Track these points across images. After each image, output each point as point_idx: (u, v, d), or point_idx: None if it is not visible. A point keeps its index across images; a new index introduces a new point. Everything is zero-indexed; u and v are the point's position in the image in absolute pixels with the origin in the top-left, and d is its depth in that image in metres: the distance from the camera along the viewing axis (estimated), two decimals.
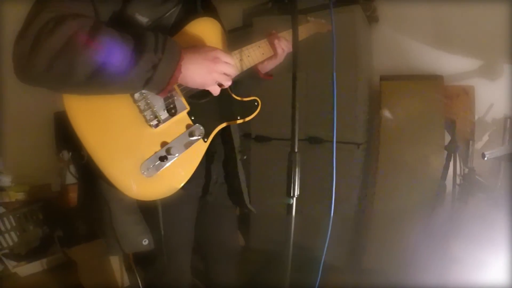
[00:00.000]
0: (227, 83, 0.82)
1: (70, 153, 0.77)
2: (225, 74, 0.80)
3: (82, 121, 0.69)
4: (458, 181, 1.79)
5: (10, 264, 2.00)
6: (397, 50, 2.28)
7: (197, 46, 0.79)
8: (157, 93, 0.72)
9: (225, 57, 0.80)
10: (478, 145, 1.99)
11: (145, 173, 0.73)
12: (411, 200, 1.90)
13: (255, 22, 2.25)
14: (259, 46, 0.96)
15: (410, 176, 1.94)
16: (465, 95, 2.04)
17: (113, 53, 0.64)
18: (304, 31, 1.14)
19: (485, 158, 1.12)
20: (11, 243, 2.06)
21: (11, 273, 1.96)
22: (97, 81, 0.65)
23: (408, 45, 2.24)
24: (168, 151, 0.75)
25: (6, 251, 2.04)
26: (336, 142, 2.00)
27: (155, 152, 0.74)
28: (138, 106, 0.74)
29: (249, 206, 1.05)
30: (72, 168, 2.21)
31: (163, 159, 0.74)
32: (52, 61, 0.61)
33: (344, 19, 1.97)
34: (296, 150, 0.72)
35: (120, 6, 0.75)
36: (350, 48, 1.99)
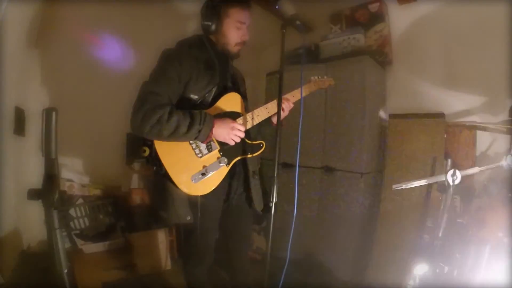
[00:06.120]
0: (238, 141, 1.49)
1: (155, 168, 1.49)
2: (237, 136, 1.48)
3: (163, 152, 1.41)
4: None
5: (79, 242, 2.72)
6: (409, 90, 2.75)
7: (223, 118, 1.47)
8: (201, 142, 1.44)
9: (238, 126, 1.48)
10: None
11: (193, 181, 1.42)
12: (410, 217, 2.44)
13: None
14: (266, 108, 1.62)
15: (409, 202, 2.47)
16: (467, 131, 2.47)
17: (179, 124, 1.36)
18: (307, 89, 1.76)
19: (394, 189, 1.61)
20: (82, 226, 2.78)
21: (78, 249, 2.68)
22: (172, 137, 1.37)
23: (418, 85, 2.68)
24: (206, 171, 1.44)
25: (77, 231, 2.75)
26: (343, 171, 2.74)
27: (199, 171, 1.44)
28: (191, 146, 1.45)
29: (257, 209, 1.64)
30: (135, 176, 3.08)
31: (203, 174, 1.44)
32: (151, 128, 1.34)
33: (354, 69, 2.55)
34: (275, 175, 1.35)
35: (182, 91, 1.48)
36: (359, 92, 2.54)
